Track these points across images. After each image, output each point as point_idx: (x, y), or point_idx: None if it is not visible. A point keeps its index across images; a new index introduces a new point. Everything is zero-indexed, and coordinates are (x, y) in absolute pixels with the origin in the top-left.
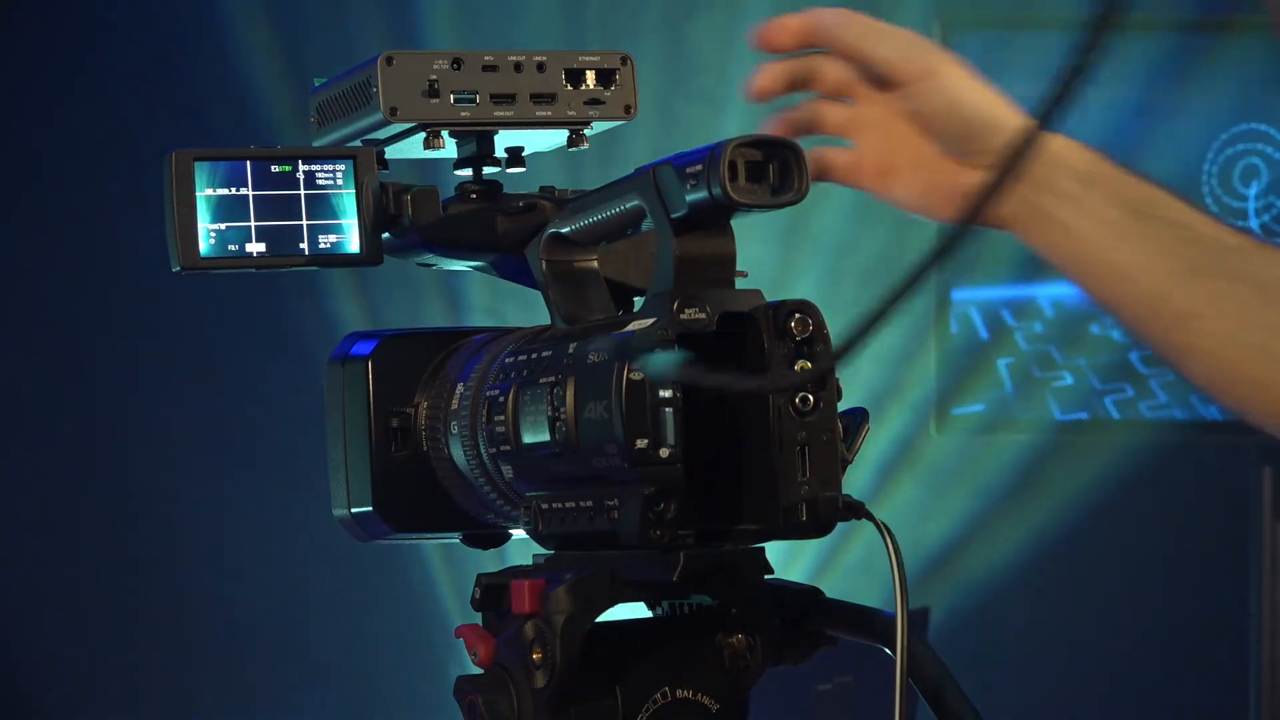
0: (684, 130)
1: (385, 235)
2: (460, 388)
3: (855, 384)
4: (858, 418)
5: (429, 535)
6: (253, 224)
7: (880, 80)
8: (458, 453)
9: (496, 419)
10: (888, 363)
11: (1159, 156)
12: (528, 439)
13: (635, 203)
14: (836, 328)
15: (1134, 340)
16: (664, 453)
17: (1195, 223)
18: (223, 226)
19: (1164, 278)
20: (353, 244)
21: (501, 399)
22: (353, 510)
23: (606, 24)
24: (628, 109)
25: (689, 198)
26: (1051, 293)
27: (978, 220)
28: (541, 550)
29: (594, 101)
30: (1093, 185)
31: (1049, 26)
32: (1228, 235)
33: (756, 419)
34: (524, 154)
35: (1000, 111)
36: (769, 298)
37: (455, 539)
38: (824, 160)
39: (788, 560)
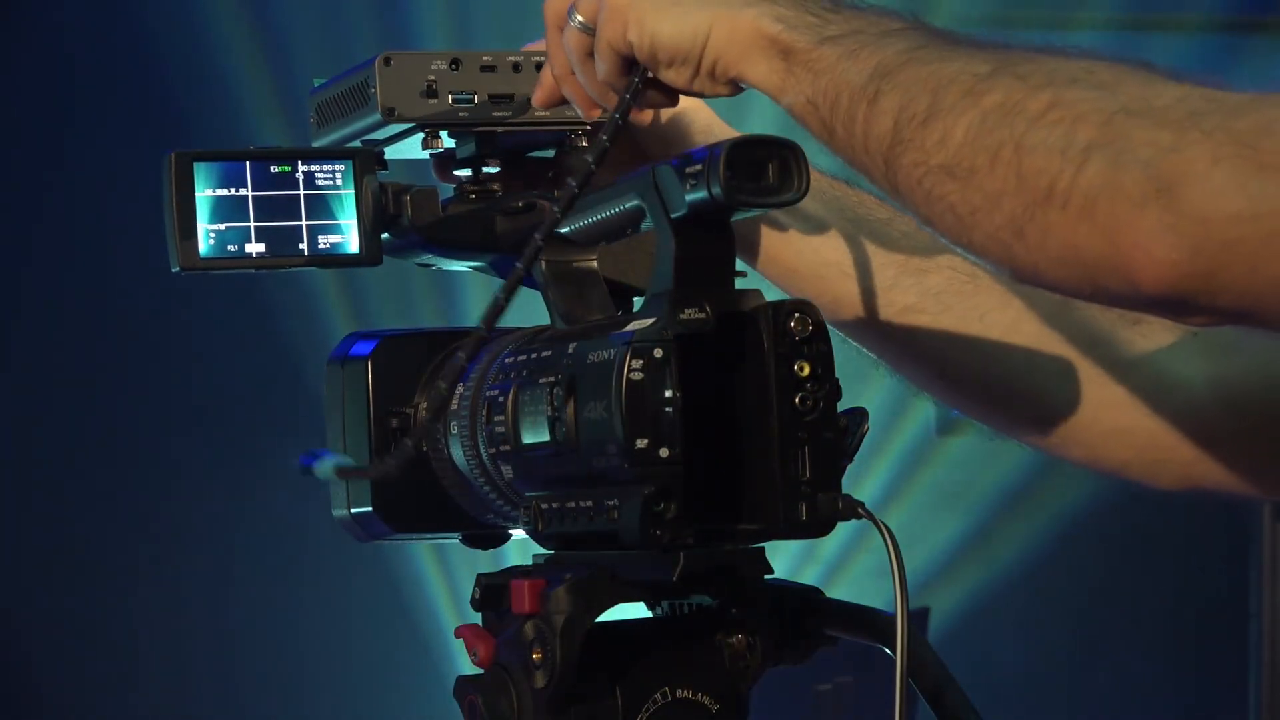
0: None
1: (385, 235)
2: (460, 388)
3: (857, 384)
4: (857, 417)
5: (429, 535)
6: (252, 224)
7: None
8: (457, 453)
9: (496, 419)
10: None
11: None
12: (527, 439)
13: (635, 203)
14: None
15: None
16: (664, 453)
17: (901, 220)
18: (222, 227)
19: (880, 274)
20: (352, 244)
21: (501, 399)
22: (352, 510)
23: None
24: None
25: (689, 198)
26: None
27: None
28: (541, 550)
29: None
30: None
31: (1049, 27)
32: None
33: (756, 419)
34: (523, 155)
35: (695, 120)
36: (768, 297)
37: (455, 539)
38: None
39: (799, 564)
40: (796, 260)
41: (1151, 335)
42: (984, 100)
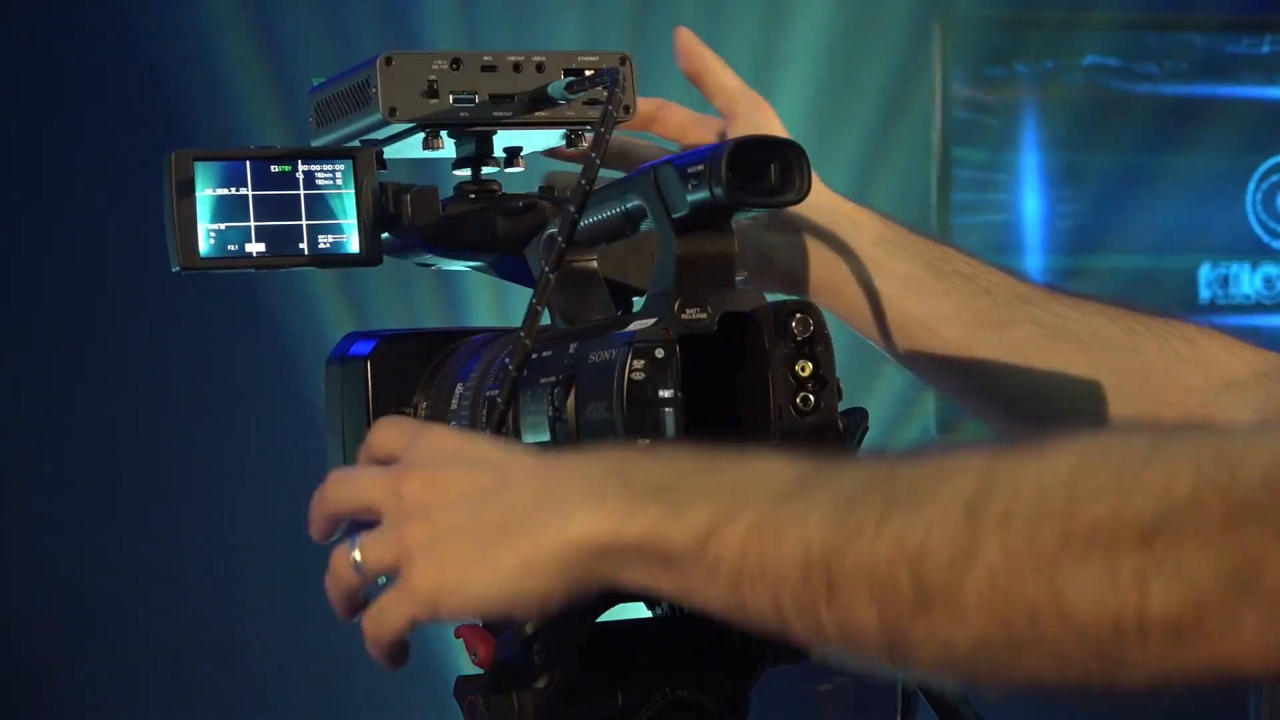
0: None
1: (385, 235)
2: (460, 388)
3: (856, 384)
4: (857, 417)
5: None
6: (252, 224)
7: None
8: None
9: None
10: (888, 363)
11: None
12: (528, 439)
13: (636, 203)
14: (836, 324)
15: (941, 393)
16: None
17: (987, 274)
18: (222, 226)
19: (963, 329)
20: (352, 244)
21: (501, 399)
22: None
23: (633, 21)
24: (627, 109)
25: (690, 198)
26: None
27: (781, 286)
28: None
29: (593, 102)
30: (888, 246)
31: (1050, 27)
32: (1019, 285)
33: (758, 419)
34: (522, 154)
35: None
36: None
37: None
38: None
39: None
40: (881, 312)
41: (1243, 401)
42: (979, 562)
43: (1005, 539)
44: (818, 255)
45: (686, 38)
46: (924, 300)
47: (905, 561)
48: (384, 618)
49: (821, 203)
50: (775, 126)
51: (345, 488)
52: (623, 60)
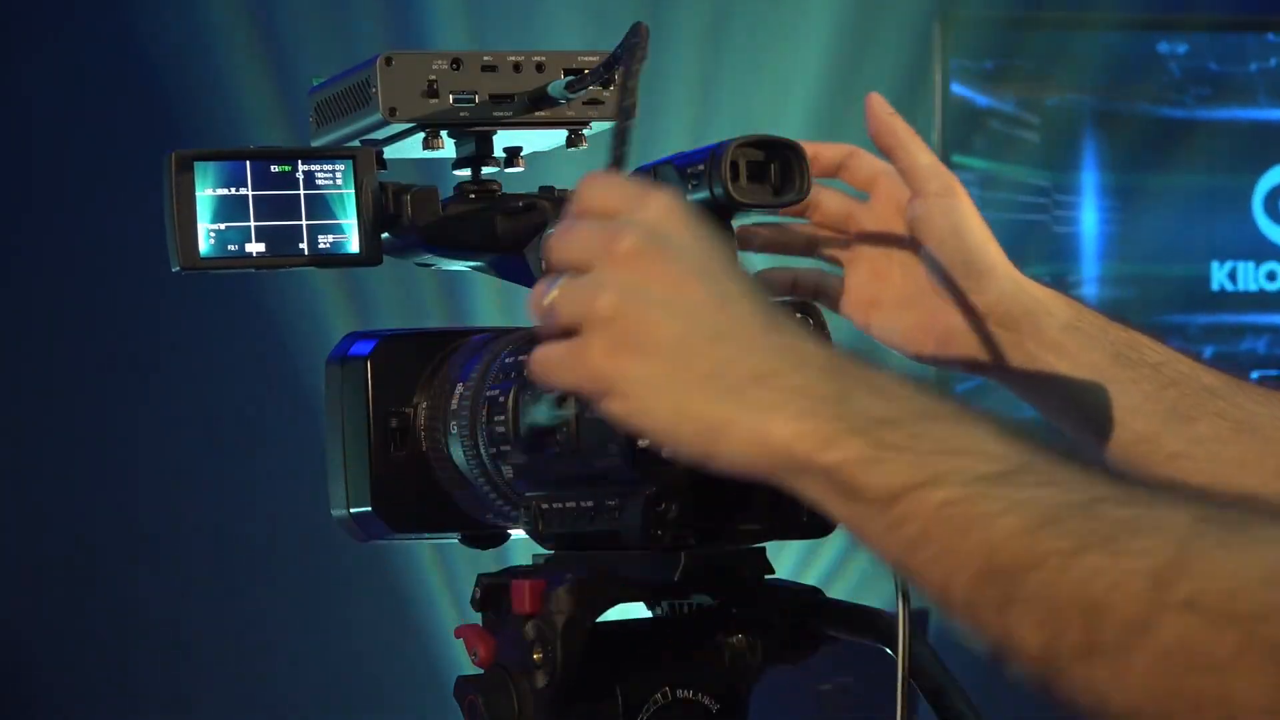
0: (715, 130)
1: (385, 235)
2: (460, 388)
3: None
4: None
5: (428, 535)
6: (252, 224)
7: (883, 204)
8: (457, 453)
9: (496, 419)
10: (890, 362)
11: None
12: (528, 439)
13: None
14: (835, 324)
15: None
16: (666, 452)
17: (1174, 363)
18: (222, 226)
19: (1150, 420)
20: (352, 244)
21: (501, 399)
22: (351, 510)
23: (635, 21)
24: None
25: (690, 197)
26: None
27: (963, 366)
28: (541, 550)
29: (593, 102)
30: (1077, 333)
31: (1050, 26)
32: (1206, 375)
33: None
34: (522, 154)
35: (996, 257)
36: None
37: (454, 539)
38: (816, 284)
39: (800, 564)
40: (1066, 399)
41: None
42: (1154, 638)
43: (1186, 625)
44: (1004, 340)
45: (878, 106)
46: (1110, 389)
47: (1081, 608)
48: (549, 368)
49: (1009, 286)
50: (969, 212)
51: (560, 242)
52: (640, 29)
